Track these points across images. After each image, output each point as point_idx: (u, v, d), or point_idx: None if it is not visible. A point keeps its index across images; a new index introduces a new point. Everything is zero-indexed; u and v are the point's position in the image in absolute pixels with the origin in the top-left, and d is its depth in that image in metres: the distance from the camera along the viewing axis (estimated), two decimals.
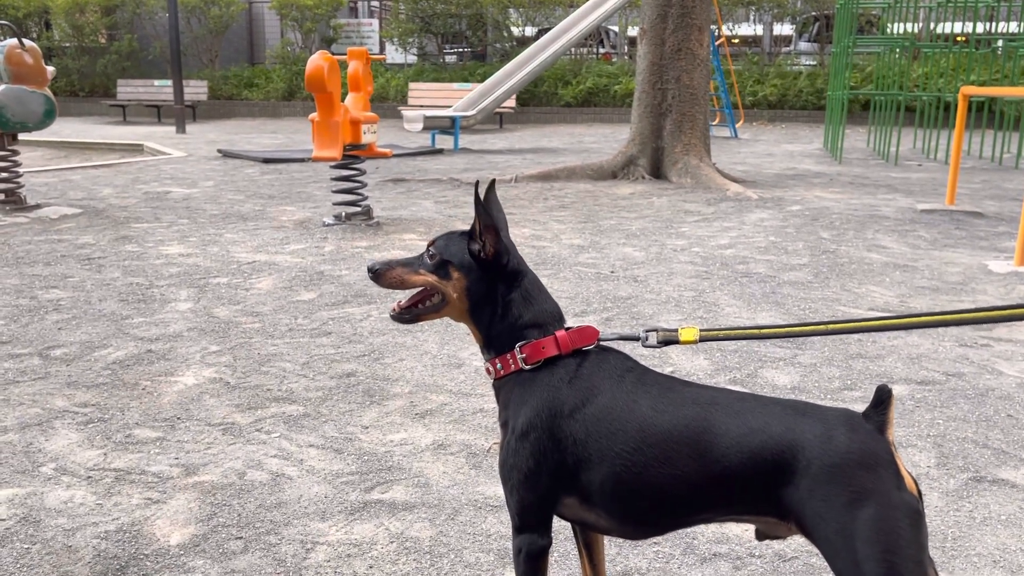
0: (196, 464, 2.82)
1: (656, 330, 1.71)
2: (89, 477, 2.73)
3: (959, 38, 13.36)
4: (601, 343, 1.69)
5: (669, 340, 1.69)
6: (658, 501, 1.55)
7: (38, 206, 7.67)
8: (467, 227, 1.75)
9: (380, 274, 1.72)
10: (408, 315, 1.74)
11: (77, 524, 2.44)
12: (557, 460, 1.58)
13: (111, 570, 2.22)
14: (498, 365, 1.68)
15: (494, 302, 1.68)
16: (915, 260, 5.67)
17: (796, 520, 1.47)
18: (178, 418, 3.19)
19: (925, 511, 1.47)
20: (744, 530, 2.39)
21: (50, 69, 7.55)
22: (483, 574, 2.21)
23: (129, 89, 20.38)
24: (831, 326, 1.68)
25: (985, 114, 12.23)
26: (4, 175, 7.51)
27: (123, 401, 3.35)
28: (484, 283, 1.68)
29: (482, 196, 1.70)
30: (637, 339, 1.71)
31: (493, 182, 1.82)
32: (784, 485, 1.46)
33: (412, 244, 6.19)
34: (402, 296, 1.77)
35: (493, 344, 1.69)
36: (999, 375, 3.61)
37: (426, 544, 2.35)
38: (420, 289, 1.73)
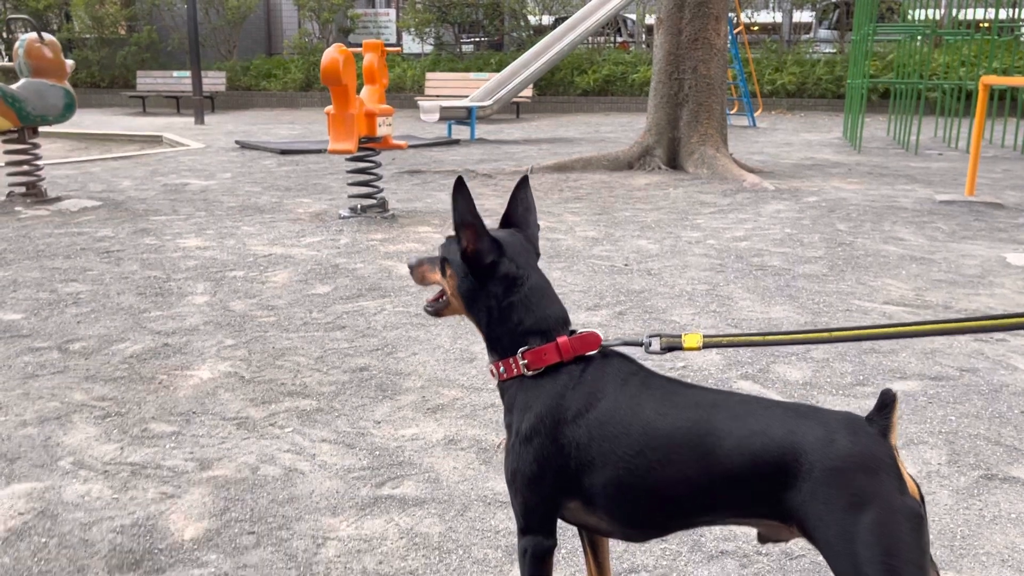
0: (210, 459, 2.87)
1: (660, 335, 1.71)
2: (106, 471, 2.78)
3: (981, 25, 13.17)
4: (604, 348, 1.69)
5: (673, 346, 1.69)
6: (660, 504, 1.56)
7: (58, 199, 7.76)
8: (489, 220, 1.78)
9: (412, 270, 1.86)
10: (432, 308, 1.85)
11: (94, 518, 2.49)
12: (560, 464, 1.59)
13: (126, 564, 2.27)
14: (501, 368, 1.70)
15: (489, 304, 1.70)
16: (932, 252, 5.63)
17: (798, 523, 1.47)
18: (193, 412, 3.24)
19: (927, 514, 1.48)
20: (751, 528, 2.40)
21: (69, 63, 7.63)
22: (491, 570, 2.24)
23: (148, 80, 20.53)
24: (836, 333, 1.67)
25: (1008, 102, 12.06)
26: (25, 168, 7.60)
27: (140, 395, 3.40)
28: (473, 283, 1.71)
29: (511, 191, 1.80)
30: (640, 345, 1.71)
31: (526, 178, 1.83)
32: (786, 488, 1.46)
33: (427, 236, 6.21)
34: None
35: (495, 346, 1.71)
36: (1014, 371, 3.58)
37: (435, 540, 2.38)
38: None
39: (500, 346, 1.70)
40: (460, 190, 1.66)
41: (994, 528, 2.42)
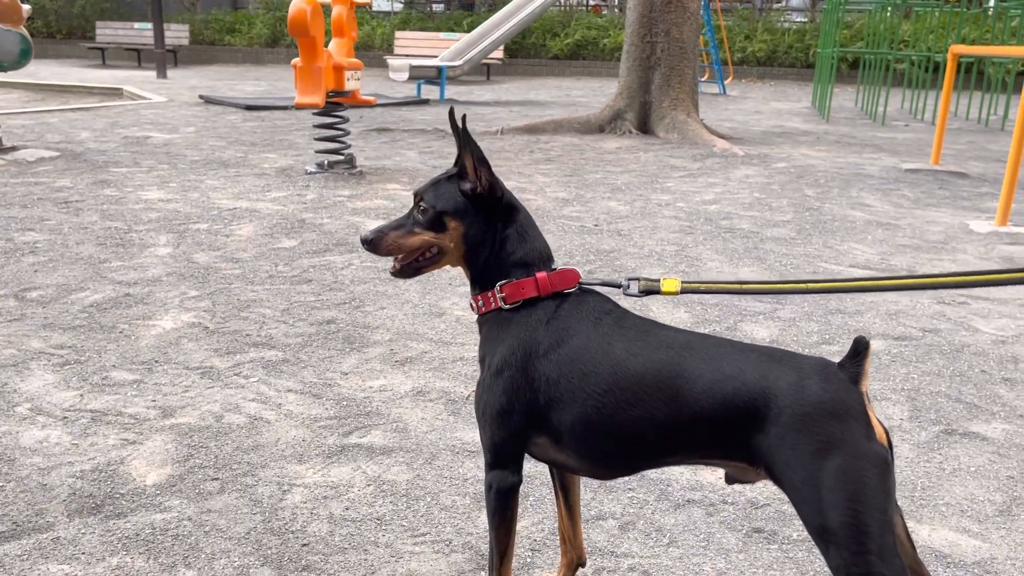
0: (173, 406, 2.82)
1: (638, 279, 1.70)
2: (65, 418, 2.71)
3: None
4: (583, 286, 1.68)
5: (651, 290, 1.69)
6: (628, 443, 1.56)
7: (14, 148, 7.53)
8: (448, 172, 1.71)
9: (376, 243, 1.67)
10: (410, 270, 1.72)
11: (52, 463, 2.44)
12: (529, 399, 1.59)
13: (86, 508, 2.22)
14: (480, 302, 1.68)
15: (492, 240, 1.66)
16: (898, 219, 5.69)
17: (765, 466, 1.48)
18: (156, 361, 3.18)
19: (894, 462, 1.49)
20: (717, 477, 2.42)
21: (26, 7, 7.36)
22: (459, 516, 2.23)
23: (108, 31, 19.95)
24: (812, 285, 1.68)
25: (973, 76, 12.19)
26: None
27: (100, 344, 3.32)
28: (481, 223, 1.66)
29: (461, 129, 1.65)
30: (619, 287, 1.70)
31: (463, 118, 1.67)
32: (755, 431, 1.47)
33: (395, 194, 6.14)
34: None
35: (479, 281, 1.69)
36: (975, 332, 3.64)
37: (403, 487, 2.36)
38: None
39: (484, 280, 1.67)
40: (464, 123, 1.60)
41: (953, 480, 2.47)
